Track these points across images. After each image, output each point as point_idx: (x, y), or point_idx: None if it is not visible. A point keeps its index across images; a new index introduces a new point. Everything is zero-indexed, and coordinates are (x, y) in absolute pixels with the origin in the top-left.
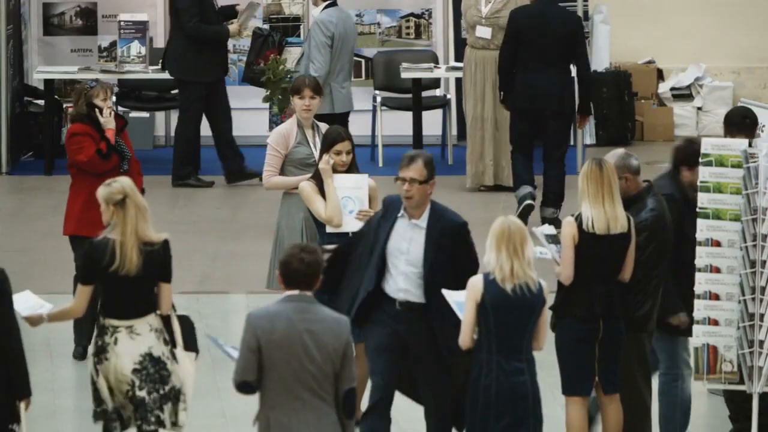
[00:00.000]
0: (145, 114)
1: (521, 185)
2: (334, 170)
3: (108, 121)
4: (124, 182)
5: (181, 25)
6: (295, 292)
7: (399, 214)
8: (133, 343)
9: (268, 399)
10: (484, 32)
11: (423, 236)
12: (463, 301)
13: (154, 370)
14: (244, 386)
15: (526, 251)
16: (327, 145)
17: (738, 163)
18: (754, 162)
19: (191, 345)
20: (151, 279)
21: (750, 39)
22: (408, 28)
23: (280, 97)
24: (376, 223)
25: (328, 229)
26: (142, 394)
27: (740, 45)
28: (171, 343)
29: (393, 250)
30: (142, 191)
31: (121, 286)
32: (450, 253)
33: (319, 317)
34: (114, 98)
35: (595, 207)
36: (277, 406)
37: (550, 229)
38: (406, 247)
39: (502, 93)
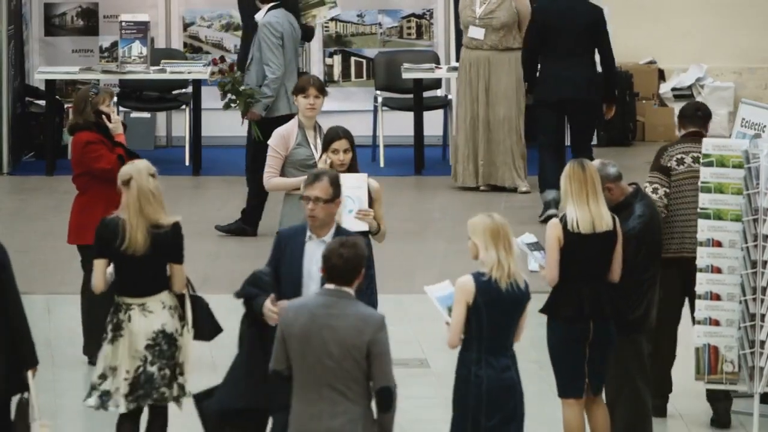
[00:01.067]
0: (147, 114)
1: (547, 188)
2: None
3: (117, 127)
4: (136, 164)
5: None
6: (332, 286)
7: (307, 238)
8: (146, 320)
9: (294, 389)
10: (476, 33)
11: None
12: (446, 295)
13: (167, 346)
14: (274, 374)
15: (514, 246)
16: (325, 145)
17: (739, 164)
18: (756, 162)
19: (203, 333)
20: (161, 259)
21: (751, 39)
22: (409, 28)
23: (243, 102)
24: (276, 261)
25: None
26: (153, 369)
27: (741, 45)
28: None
29: (305, 277)
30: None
31: (131, 264)
32: None
33: (344, 313)
34: (115, 99)
35: (579, 207)
36: (297, 396)
37: (530, 237)
38: (315, 269)
39: (527, 84)
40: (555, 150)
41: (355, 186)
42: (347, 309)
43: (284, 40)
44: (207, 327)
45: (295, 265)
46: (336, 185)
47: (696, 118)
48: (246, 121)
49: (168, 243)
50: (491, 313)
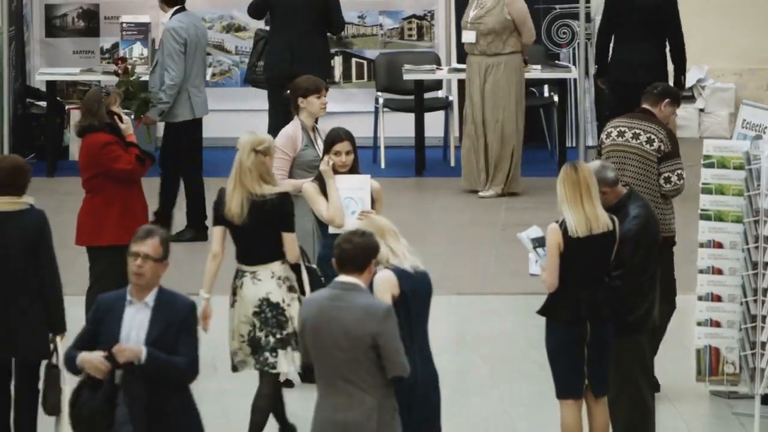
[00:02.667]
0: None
1: None
2: (335, 171)
3: (128, 127)
4: (243, 138)
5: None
6: (343, 278)
7: (126, 302)
8: (254, 287)
9: (316, 380)
10: (467, 36)
11: (149, 316)
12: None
13: (272, 315)
14: (305, 367)
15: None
16: (327, 146)
17: (740, 165)
18: (756, 164)
19: None
20: (266, 229)
21: (752, 40)
22: (410, 29)
23: (137, 105)
24: (94, 328)
25: (331, 230)
26: (260, 335)
27: (742, 46)
28: (300, 291)
29: (122, 342)
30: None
31: (237, 232)
32: (175, 333)
33: (350, 305)
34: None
35: (574, 210)
36: (318, 388)
37: (536, 231)
38: (135, 334)
39: (597, 67)
40: None
41: (357, 187)
42: (354, 301)
43: (187, 47)
44: None
45: (114, 331)
46: (166, 245)
47: (650, 95)
48: (150, 125)
49: (272, 212)
50: (415, 302)
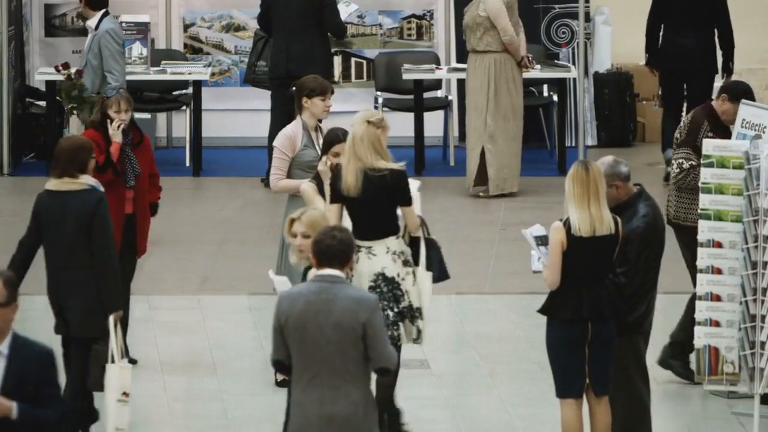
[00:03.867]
0: (147, 115)
1: (667, 147)
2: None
3: (115, 134)
4: (360, 113)
5: (336, 29)
6: (324, 271)
7: None
8: (369, 262)
9: (293, 377)
10: (465, 36)
11: (3, 365)
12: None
13: (387, 289)
14: (276, 364)
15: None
16: (326, 147)
17: (739, 165)
18: (756, 163)
19: (432, 267)
20: (381, 204)
21: (751, 40)
22: (409, 29)
23: (87, 109)
24: None
25: None
26: None
27: (741, 46)
28: (415, 263)
29: None
30: (156, 206)
31: (354, 206)
32: (35, 384)
33: (338, 297)
34: (130, 111)
35: (580, 209)
36: (297, 384)
37: (540, 230)
38: None
39: (647, 56)
40: (674, 114)
41: None
42: (340, 292)
43: (124, 48)
44: (436, 270)
45: None
46: (11, 287)
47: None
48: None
49: (388, 186)
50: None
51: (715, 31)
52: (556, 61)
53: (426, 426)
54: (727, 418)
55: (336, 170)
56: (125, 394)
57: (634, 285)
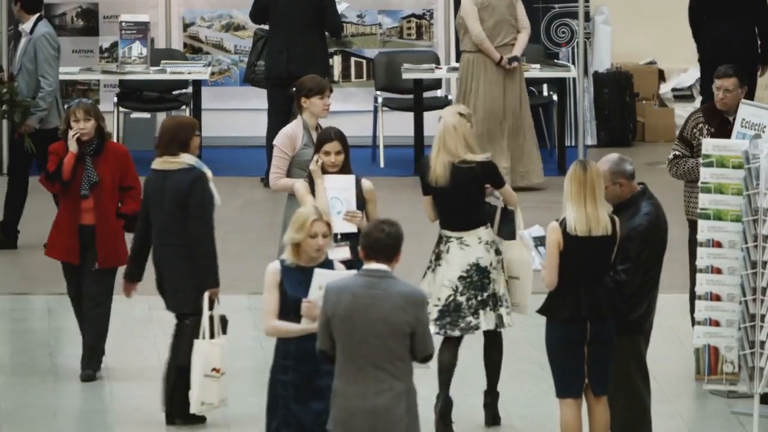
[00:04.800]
0: (147, 115)
1: None
2: (325, 171)
3: (71, 144)
4: (448, 107)
5: (335, 29)
6: (372, 265)
7: None
8: (462, 252)
9: (337, 368)
10: None
11: None
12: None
13: (477, 278)
14: (321, 355)
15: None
16: (317, 146)
17: (739, 164)
18: (755, 163)
19: (505, 233)
20: (470, 195)
21: None
22: (409, 28)
23: (20, 113)
24: None
25: None
26: (461, 299)
27: None
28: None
29: None
30: (130, 218)
31: (442, 196)
32: None
33: (387, 292)
34: (91, 121)
35: (576, 209)
36: (341, 375)
37: (539, 231)
38: None
39: (697, 46)
40: None
41: (343, 188)
42: (390, 288)
43: (60, 52)
44: (506, 231)
45: None
46: None
47: None
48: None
49: (477, 179)
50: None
51: (755, 22)
52: (555, 60)
53: (426, 426)
54: (727, 418)
55: (424, 161)
56: (215, 370)
57: (635, 284)
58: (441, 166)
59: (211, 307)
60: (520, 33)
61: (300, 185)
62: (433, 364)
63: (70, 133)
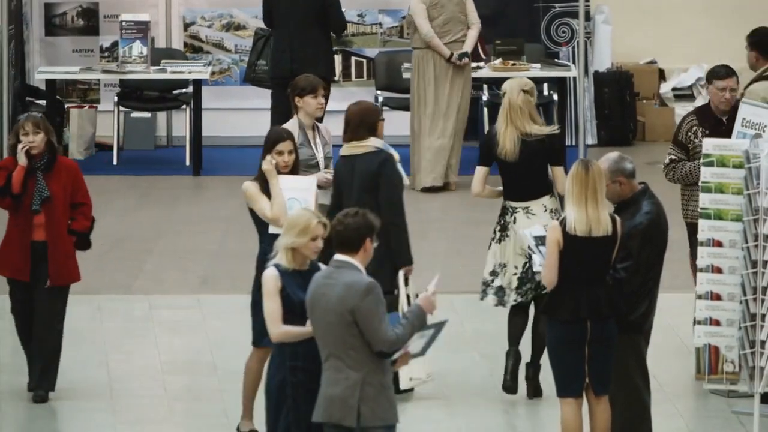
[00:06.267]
0: (147, 114)
1: None
2: (277, 171)
3: (20, 157)
4: (512, 80)
5: (339, 27)
6: (338, 256)
7: None
8: (529, 221)
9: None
10: None
11: None
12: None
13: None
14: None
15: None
16: (269, 146)
17: (739, 164)
18: (756, 162)
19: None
20: (536, 166)
21: None
22: (409, 28)
23: None
24: None
25: (271, 230)
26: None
27: (742, 45)
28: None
29: None
30: (83, 236)
31: (510, 169)
32: None
33: (337, 282)
34: (41, 134)
35: (577, 209)
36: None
37: (539, 230)
38: None
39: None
40: None
41: (302, 188)
42: (339, 277)
43: None
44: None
45: None
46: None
47: None
48: None
49: (540, 150)
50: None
51: None
52: (556, 60)
53: (426, 426)
54: (727, 417)
55: (489, 135)
56: None
57: (635, 282)
58: (510, 142)
59: (406, 284)
60: (470, 29)
61: (249, 185)
62: (438, 377)
63: (19, 146)
